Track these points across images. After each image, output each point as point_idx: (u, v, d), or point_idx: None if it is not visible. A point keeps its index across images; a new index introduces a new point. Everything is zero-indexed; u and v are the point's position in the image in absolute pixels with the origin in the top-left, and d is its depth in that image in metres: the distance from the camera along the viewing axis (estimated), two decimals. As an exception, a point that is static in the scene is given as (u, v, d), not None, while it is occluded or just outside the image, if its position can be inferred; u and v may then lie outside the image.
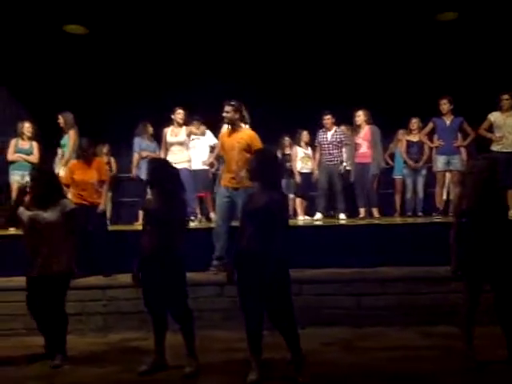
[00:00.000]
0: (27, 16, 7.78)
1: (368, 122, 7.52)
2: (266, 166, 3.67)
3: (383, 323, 4.94)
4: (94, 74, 9.06)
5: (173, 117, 7.26)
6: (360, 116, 7.52)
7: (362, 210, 7.52)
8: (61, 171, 7.27)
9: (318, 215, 7.53)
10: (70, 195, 5.93)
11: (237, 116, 5.62)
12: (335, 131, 7.66)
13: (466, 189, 3.93)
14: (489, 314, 3.86)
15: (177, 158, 6.94)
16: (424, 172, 7.93)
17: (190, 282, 5.16)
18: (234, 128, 5.62)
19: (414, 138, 7.96)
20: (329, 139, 7.64)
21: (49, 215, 4.07)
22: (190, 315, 3.90)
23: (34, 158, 7.31)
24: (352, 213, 7.70)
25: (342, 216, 7.40)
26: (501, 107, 6.96)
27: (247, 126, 6.64)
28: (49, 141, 7.69)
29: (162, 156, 7.17)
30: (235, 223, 5.50)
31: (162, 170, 4.01)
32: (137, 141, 7.83)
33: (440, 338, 4.52)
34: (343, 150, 7.72)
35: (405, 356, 4.12)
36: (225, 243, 5.52)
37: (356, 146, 7.57)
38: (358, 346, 4.48)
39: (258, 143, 5.52)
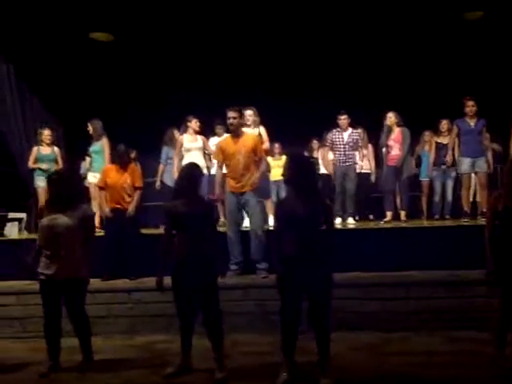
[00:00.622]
0: (54, 24, 7.96)
1: (399, 124, 7.43)
2: (303, 171, 3.69)
3: (408, 328, 4.88)
4: (121, 80, 9.20)
5: (189, 124, 7.35)
6: (391, 118, 7.42)
7: (388, 214, 7.44)
8: (89, 177, 7.46)
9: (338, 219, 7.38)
10: (103, 198, 6.11)
11: (241, 121, 5.74)
12: (352, 132, 7.53)
13: (503, 188, 3.80)
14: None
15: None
16: (453, 174, 7.77)
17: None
18: (238, 133, 5.67)
19: (444, 139, 7.81)
20: (345, 140, 7.50)
21: (67, 220, 4.00)
22: (221, 319, 3.93)
23: (57, 165, 7.48)
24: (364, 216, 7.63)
25: (351, 220, 7.29)
26: None
27: (262, 128, 6.85)
28: (76, 147, 7.87)
29: (176, 162, 7.22)
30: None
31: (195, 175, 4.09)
32: (165, 150, 7.82)
33: (465, 344, 4.44)
34: (356, 152, 7.64)
35: (429, 361, 4.08)
36: (240, 247, 5.68)
37: (387, 149, 7.47)
38: (383, 350, 4.44)
39: (261, 146, 5.76)
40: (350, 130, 7.52)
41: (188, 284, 3.82)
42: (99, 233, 6.60)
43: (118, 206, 5.99)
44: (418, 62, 8.81)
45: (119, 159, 6.15)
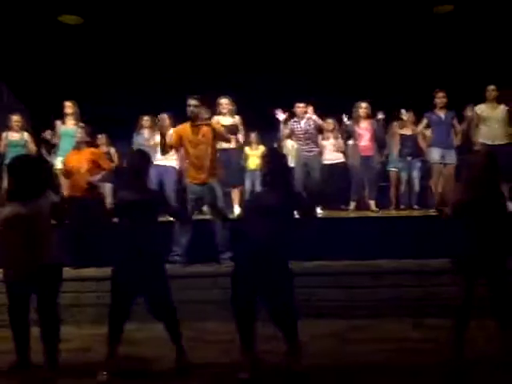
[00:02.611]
0: (22, 7, 7.75)
1: (370, 115, 7.46)
2: (277, 167, 3.72)
3: (376, 316, 4.97)
4: (90, 64, 9.03)
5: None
6: (364, 108, 7.42)
7: (352, 203, 7.54)
8: (58, 163, 7.31)
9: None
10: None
11: (201, 110, 5.67)
12: (307, 119, 7.30)
13: (461, 183, 3.90)
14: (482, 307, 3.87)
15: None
16: (419, 165, 7.90)
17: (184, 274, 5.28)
18: (199, 123, 5.60)
19: (408, 131, 7.91)
20: (303, 128, 7.30)
21: (31, 208, 3.65)
22: (174, 312, 3.85)
23: (30, 149, 7.32)
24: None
25: (318, 210, 7.10)
26: (486, 98, 6.92)
27: (238, 117, 6.86)
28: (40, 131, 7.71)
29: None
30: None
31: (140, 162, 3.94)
32: (135, 136, 7.78)
33: (431, 331, 4.55)
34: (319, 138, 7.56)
35: (397, 348, 4.16)
36: (189, 238, 5.62)
37: (358, 138, 7.50)
38: (351, 338, 4.52)
39: (221, 135, 5.68)
40: (306, 117, 7.30)
41: (129, 278, 3.67)
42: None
43: (78, 194, 5.90)
44: (389, 54, 8.87)
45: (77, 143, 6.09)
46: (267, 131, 8.51)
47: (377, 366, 3.82)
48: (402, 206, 7.93)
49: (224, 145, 6.82)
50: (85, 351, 4.38)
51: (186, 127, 5.72)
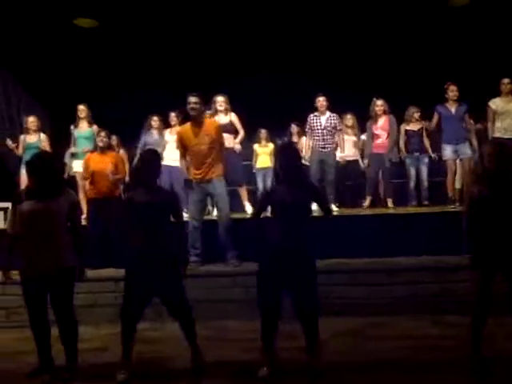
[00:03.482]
0: (38, 11, 7.85)
1: (386, 112, 7.40)
2: (290, 160, 3.66)
3: (394, 313, 4.94)
4: (105, 66, 9.12)
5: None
6: (380, 105, 7.36)
7: (368, 198, 7.49)
8: (75, 166, 7.39)
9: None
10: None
11: (202, 108, 5.61)
12: (330, 116, 7.23)
13: (476, 177, 3.80)
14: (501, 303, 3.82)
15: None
16: (426, 160, 7.77)
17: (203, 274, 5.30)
18: (199, 120, 5.53)
19: (414, 126, 7.77)
20: (323, 124, 7.22)
21: (50, 206, 3.65)
22: (191, 313, 3.81)
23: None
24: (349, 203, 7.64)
25: (334, 207, 6.97)
26: (501, 92, 6.83)
27: (233, 115, 6.78)
28: (62, 134, 7.79)
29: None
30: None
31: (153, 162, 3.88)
32: (143, 136, 7.80)
33: (449, 328, 4.52)
34: (335, 136, 7.38)
35: (415, 345, 4.14)
36: (201, 238, 5.60)
37: (374, 136, 7.45)
38: (370, 335, 4.51)
39: (221, 135, 5.67)
40: (328, 113, 7.23)
41: (142, 279, 3.62)
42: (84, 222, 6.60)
43: (101, 196, 5.96)
44: (403, 49, 8.81)
45: (102, 146, 6.12)
46: (276, 128, 8.50)
47: (396, 362, 3.80)
48: (414, 203, 7.74)
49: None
50: (103, 351, 4.42)
51: (186, 127, 5.67)
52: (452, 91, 6.94)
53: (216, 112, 6.81)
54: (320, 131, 7.21)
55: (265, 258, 3.63)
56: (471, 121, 7.21)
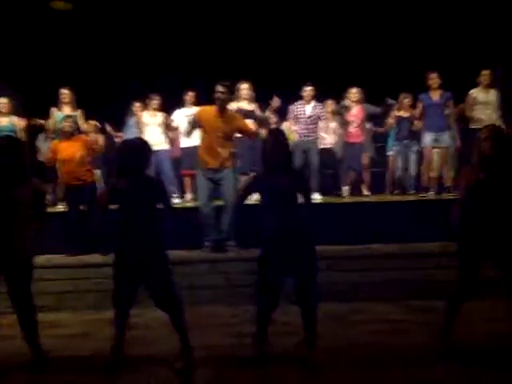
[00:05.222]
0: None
1: (361, 101, 7.42)
2: (277, 146, 3.63)
3: (371, 298, 5.05)
4: (80, 50, 8.98)
5: (150, 102, 7.31)
6: (355, 94, 7.36)
7: (345, 189, 7.53)
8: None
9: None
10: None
11: (228, 97, 5.60)
12: (315, 105, 7.25)
13: (471, 164, 3.72)
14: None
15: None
16: (415, 148, 7.70)
17: (184, 260, 5.31)
18: (224, 110, 5.54)
19: (405, 113, 7.69)
20: (307, 113, 7.18)
21: (12, 195, 3.52)
22: (180, 305, 3.70)
23: (19, 134, 7.08)
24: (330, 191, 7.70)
25: (317, 195, 7.01)
26: (480, 83, 6.95)
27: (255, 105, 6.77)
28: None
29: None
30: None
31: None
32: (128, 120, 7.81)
33: (425, 313, 4.62)
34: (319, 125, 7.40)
35: (389, 329, 4.25)
36: (214, 223, 5.60)
37: (346, 124, 7.48)
38: (348, 320, 4.61)
39: (246, 127, 5.66)
40: (313, 102, 7.24)
41: (130, 269, 3.57)
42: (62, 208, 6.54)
43: (75, 182, 5.91)
44: (382, 35, 8.86)
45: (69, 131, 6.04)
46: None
47: (372, 346, 3.88)
48: (396, 191, 7.87)
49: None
50: (84, 336, 4.41)
51: (210, 110, 5.60)
52: (431, 79, 6.99)
53: (240, 99, 6.76)
54: (304, 120, 7.21)
55: (264, 246, 3.61)
56: (455, 109, 7.20)
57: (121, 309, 3.65)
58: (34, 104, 7.93)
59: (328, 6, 8.31)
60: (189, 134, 5.88)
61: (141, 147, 3.72)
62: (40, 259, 5.29)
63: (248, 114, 6.55)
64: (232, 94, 5.72)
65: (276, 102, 6.80)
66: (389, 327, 4.33)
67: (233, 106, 6.55)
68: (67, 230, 5.94)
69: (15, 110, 7.37)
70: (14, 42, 8.63)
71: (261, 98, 6.94)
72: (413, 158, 7.70)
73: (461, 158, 7.53)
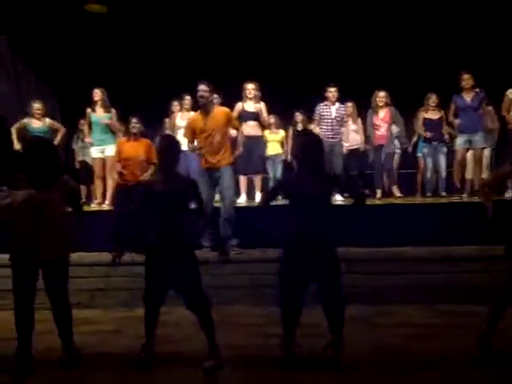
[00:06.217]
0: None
1: (388, 104, 7.39)
2: (311, 148, 3.59)
3: (400, 302, 4.99)
4: (115, 51, 9.15)
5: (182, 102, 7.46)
6: (382, 97, 7.33)
7: (378, 191, 7.52)
8: (94, 152, 7.41)
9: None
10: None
11: (212, 96, 5.64)
12: (339, 106, 7.28)
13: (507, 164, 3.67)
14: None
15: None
16: (445, 150, 7.65)
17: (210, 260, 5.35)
18: (209, 108, 5.57)
19: (433, 115, 7.61)
20: (333, 114, 7.25)
21: (46, 195, 3.55)
22: (209, 305, 3.69)
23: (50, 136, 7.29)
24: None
25: (339, 197, 6.97)
26: None
27: (262, 103, 6.91)
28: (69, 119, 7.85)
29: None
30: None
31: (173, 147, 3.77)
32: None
33: (454, 317, 4.56)
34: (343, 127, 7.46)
35: (417, 333, 4.20)
36: (213, 224, 5.66)
37: (375, 128, 7.45)
38: (374, 322, 4.58)
39: (235, 120, 5.72)
40: (337, 104, 7.29)
41: (162, 269, 3.59)
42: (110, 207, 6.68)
43: (131, 181, 5.93)
44: (409, 38, 8.76)
45: (135, 132, 6.12)
46: (286, 115, 8.47)
47: (398, 350, 3.85)
48: (429, 194, 7.73)
49: (249, 131, 6.88)
50: (116, 333, 4.50)
51: (196, 116, 5.75)
52: (464, 80, 6.87)
53: (246, 99, 6.87)
54: (330, 121, 7.24)
55: (287, 249, 3.60)
56: (490, 108, 7.09)
57: (151, 307, 3.70)
58: (70, 105, 8.14)
59: (351, 6, 8.24)
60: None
61: (169, 144, 3.73)
62: (73, 257, 5.47)
63: (252, 116, 6.73)
64: (215, 92, 5.79)
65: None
66: (416, 331, 4.28)
67: (238, 105, 6.76)
68: (115, 228, 5.94)
69: (51, 112, 7.60)
70: (51, 44, 8.86)
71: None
72: (442, 159, 7.62)
73: (498, 159, 7.41)
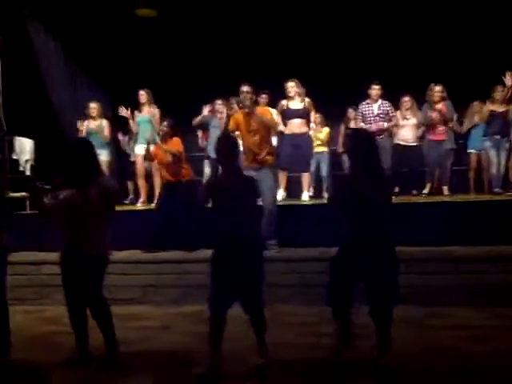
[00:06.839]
0: (102, 3, 8.14)
1: (444, 98, 7.20)
2: (366, 148, 3.51)
3: (453, 303, 4.87)
4: (164, 55, 9.33)
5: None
6: (438, 92, 7.17)
7: (428, 185, 7.37)
8: (137, 149, 7.61)
9: None
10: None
11: (254, 97, 5.65)
12: (382, 103, 7.25)
13: None
14: None
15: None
16: (507, 145, 7.25)
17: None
18: (251, 109, 5.58)
19: (499, 107, 7.20)
20: (375, 111, 7.25)
21: (83, 194, 3.59)
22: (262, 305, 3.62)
23: (105, 136, 7.60)
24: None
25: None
26: None
27: (307, 99, 6.93)
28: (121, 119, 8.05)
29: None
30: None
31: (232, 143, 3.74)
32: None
33: (509, 320, 4.42)
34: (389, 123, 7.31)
35: (472, 335, 4.09)
36: None
37: (431, 123, 7.24)
38: (426, 324, 4.48)
39: (273, 120, 5.68)
40: (380, 101, 7.26)
41: (229, 269, 3.46)
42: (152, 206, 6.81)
43: (169, 179, 6.15)
44: (465, 30, 8.50)
45: (163, 135, 6.29)
46: (331, 112, 8.38)
47: (451, 352, 3.76)
48: (497, 190, 7.10)
49: (294, 129, 6.85)
50: (164, 329, 4.59)
51: (239, 114, 5.80)
52: None
53: (288, 97, 6.89)
54: (373, 118, 7.23)
55: (339, 249, 3.53)
56: None
57: (218, 311, 3.49)
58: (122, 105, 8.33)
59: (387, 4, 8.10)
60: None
61: (230, 143, 3.70)
62: (123, 254, 5.63)
63: (296, 114, 6.74)
64: (257, 94, 5.80)
65: None
66: (470, 333, 4.15)
67: (282, 103, 6.81)
68: (158, 226, 6.08)
69: (105, 113, 7.83)
70: (104, 48, 9.13)
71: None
72: (503, 155, 7.27)
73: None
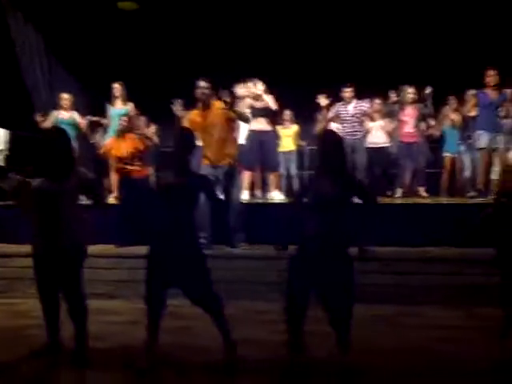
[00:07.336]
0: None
1: (415, 100, 7.31)
2: (331, 149, 3.47)
3: (425, 303, 4.90)
4: (144, 48, 9.24)
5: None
6: (410, 93, 7.29)
7: (399, 190, 7.43)
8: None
9: None
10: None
11: (210, 92, 5.58)
12: (356, 103, 7.31)
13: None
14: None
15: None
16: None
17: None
18: (208, 105, 5.54)
19: (472, 112, 7.15)
20: (350, 112, 7.30)
21: (58, 186, 3.51)
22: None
23: (80, 127, 7.57)
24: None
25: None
26: None
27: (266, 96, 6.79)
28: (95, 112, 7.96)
29: None
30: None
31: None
32: None
33: (482, 320, 4.42)
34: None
35: (442, 335, 4.10)
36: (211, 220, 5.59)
37: (401, 124, 7.37)
38: (398, 322, 4.49)
39: (231, 117, 5.59)
40: (354, 101, 7.31)
41: (163, 264, 3.46)
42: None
43: (126, 174, 6.18)
44: (438, 33, 8.60)
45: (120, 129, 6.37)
46: (301, 109, 8.31)
47: (422, 351, 3.77)
48: (472, 193, 7.09)
49: (259, 126, 6.79)
50: (132, 324, 4.48)
51: (194, 113, 5.73)
52: (489, 76, 6.55)
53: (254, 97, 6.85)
54: (349, 119, 7.28)
55: (298, 250, 3.47)
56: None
57: (153, 308, 3.50)
58: (101, 100, 8.23)
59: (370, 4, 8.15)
60: None
61: (183, 137, 3.69)
62: (95, 248, 5.54)
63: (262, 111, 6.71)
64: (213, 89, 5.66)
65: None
66: (441, 333, 4.17)
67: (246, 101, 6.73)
68: (122, 221, 6.10)
69: (78, 106, 7.71)
70: (84, 41, 9.02)
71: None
72: (477, 157, 7.23)
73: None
